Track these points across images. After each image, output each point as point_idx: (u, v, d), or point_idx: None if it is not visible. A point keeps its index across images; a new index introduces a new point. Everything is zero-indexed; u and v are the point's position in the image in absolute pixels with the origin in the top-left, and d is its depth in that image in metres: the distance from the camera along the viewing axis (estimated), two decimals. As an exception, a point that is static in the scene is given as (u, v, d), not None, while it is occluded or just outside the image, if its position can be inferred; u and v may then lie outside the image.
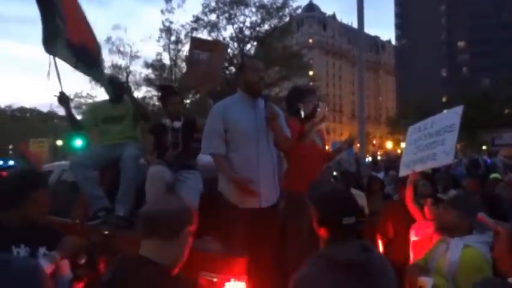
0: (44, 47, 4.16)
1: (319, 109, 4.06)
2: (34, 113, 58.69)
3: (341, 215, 1.99)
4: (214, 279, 2.81)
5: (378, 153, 44.49)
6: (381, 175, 11.66)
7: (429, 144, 4.45)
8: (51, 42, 4.15)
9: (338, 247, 1.98)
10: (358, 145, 10.28)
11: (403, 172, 4.83)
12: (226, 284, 2.78)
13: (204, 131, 3.53)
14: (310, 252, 3.61)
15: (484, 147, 31.37)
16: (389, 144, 66.67)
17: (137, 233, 1.97)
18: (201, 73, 3.64)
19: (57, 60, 4.24)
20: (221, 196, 3.43)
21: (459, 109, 4.39)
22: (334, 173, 8.66)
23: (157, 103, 29.32)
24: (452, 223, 2.88)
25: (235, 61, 27.48)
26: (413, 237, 4.52)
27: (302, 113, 4.02)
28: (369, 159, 16.50)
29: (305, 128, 3.95)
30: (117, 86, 4.51)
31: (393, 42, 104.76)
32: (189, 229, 1.92)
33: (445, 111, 4.68)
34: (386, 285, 2.01)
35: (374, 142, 77.42)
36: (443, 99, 59.05)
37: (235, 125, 3.43)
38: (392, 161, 17.05)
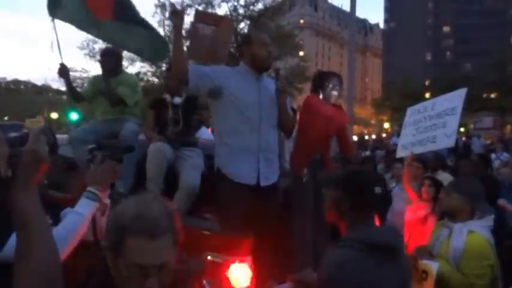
0: (48, 11, 4.08)
1: None
2: (28, 85, 57.65)
3: (371, 184, 1.91)
4: (219, 260, 2.77)
5: (365, 131, 44.78)
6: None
7: (429, 126, 4.43)
8: (56, 4, 4.07)
9: (370, 230, 1.90)
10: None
11: (400, 153, 4.81)
12: (232, 265, 2.74)
13: None
14: (318, 231, 3.67)
15: (461, 129, 31.49)
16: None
17: None
18: (204, 48, 3.49)
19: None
20: (218, 171, 3.29)
21: (462, 92, 4.34)
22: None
23: (151, 79, 28.90)
24: (455, 207, 2.84)
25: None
26: (407, 218, 4.55)
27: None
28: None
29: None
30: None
31: (381, 25, 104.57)
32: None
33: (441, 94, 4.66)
34: (406, 268, 1.98)
35: (358, 122, 77.78)
36: (426, 83, 59.48)
37: (235, 91, 3.19)
38: (379, 141, 17.21)
